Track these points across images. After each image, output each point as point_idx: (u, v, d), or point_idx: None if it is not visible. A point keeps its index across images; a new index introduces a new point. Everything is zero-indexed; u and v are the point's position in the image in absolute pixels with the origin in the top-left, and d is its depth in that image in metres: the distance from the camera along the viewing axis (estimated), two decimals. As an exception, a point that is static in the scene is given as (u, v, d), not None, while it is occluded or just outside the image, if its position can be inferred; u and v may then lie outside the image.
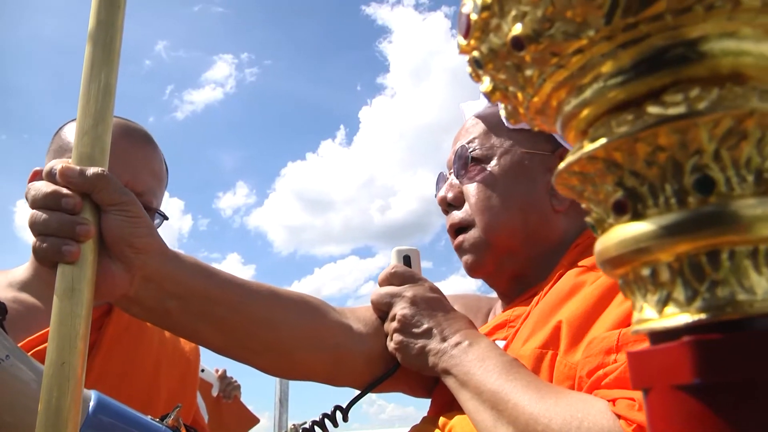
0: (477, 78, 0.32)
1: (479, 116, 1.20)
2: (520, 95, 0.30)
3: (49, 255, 0.78)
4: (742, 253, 0.25)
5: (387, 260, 1.21)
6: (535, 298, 1.04)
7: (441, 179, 1.27)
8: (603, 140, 0.26)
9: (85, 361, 0.75)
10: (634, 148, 0.26)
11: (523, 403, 0.78)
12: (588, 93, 0.27)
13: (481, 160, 1.15)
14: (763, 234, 0.24)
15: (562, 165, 0.29)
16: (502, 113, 0.33)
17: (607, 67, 0.27)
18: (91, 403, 0.80)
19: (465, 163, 1.16)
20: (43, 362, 0.76)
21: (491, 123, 1.17)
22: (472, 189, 1.15)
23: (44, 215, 0.80)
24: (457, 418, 0.93)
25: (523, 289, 1.15)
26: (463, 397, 0.88)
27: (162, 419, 0.86)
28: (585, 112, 0.28)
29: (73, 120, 1.26)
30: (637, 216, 0.27)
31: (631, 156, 0.26)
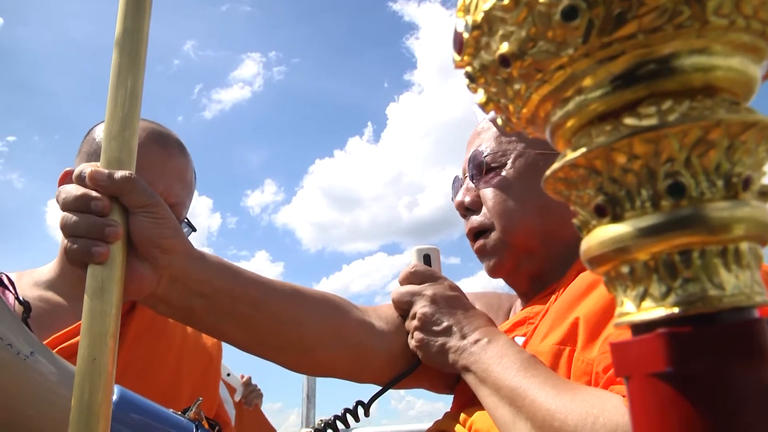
0: (473, 90, 0.34)
1: (492, 119, 1.20)
2: (510, 107, 0.32)
3: (80, 256, 0.81)
4: (712, 252, 0.27)
5: (415, 257, 1.21)
6: (554, 296, 1.04)
7: (457, 183, 1.27)
8: (583, 149, 0.28)
9: (115, 357, 0.77)
10: (611, 157, 0.28)
11: (540, 399, 0.79)
12: (571, 105, 0.30)
13: (496, 165, 1.15)
14: (732, 234, 0.26)
15: (548, 171, 0.31)
16: (499, 122, 0.35)
17: (587, 82, 0.29)
18: (114, 397, 0.82)
19: (479, 168, 1.17)
20: (68, 359, 0.78)
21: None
22: (488, 194, 1.15)
23: (74, 217, 0.83)
24: (478, 414, 0.94)
25: (541, 287, 1.15)
26: (483, 394, 0.89)
27: (184, 412, 0.88)
28: (569, 123, 0.30)
29: (101, 122, 1.28)
30: (617, 218, 0.29)
31: (609, 164, 0.28)
